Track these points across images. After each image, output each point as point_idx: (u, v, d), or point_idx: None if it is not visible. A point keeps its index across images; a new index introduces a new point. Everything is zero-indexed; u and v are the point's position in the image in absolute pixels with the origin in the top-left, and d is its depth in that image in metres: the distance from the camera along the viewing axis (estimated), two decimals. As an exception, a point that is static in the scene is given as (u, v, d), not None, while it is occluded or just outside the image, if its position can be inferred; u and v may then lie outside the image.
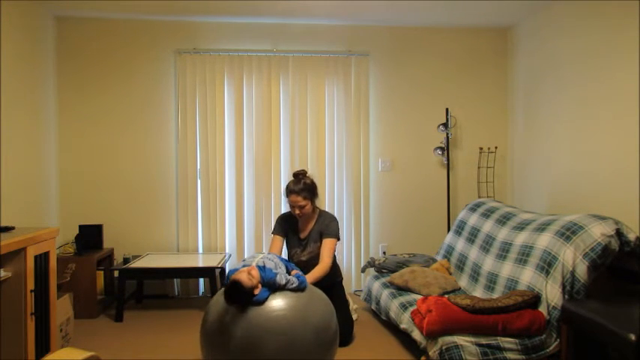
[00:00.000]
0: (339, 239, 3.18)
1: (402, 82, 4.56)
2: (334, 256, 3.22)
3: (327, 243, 3.10)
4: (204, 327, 2.35)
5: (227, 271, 2.49)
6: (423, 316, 2.77)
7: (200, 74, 4.29)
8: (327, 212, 3.30)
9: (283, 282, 2.32)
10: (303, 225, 3.27)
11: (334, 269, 3.22)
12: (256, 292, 2.23)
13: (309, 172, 4.30)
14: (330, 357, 2.42)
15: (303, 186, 3.10)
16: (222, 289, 2.34)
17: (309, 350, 2.22)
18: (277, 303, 2.25)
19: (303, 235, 3.24)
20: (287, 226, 3.27)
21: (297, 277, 2.41)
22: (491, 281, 3.21)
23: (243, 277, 2.22)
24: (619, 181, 3.18)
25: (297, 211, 3.13)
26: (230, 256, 4.24)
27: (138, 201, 4.33)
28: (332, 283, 3.22)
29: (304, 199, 3.09)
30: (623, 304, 2.52)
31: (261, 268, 2.34)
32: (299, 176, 3.16)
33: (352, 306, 3.59)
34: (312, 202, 3.17)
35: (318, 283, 2.80)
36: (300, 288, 2.37)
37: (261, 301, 2.24)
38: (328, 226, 3.16)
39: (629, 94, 3.09)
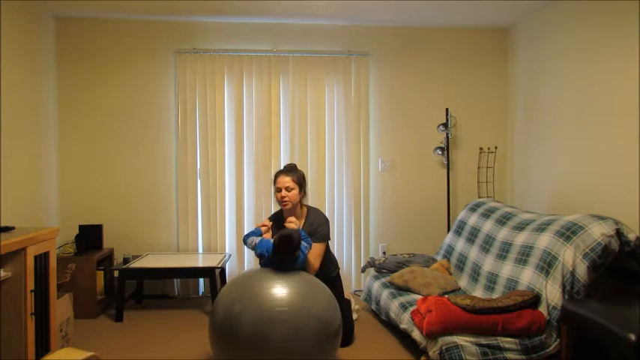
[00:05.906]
0: (329, 240, 3.09)
1: (402, 82, 4.56)
2: (330, 251, 3.18)
3: (316, 248, 2.94)
4: (213, 323, 2.47)
5: (244, 235, 2.94)
6: (423, 316, 2.77)
7: (200, 74, 4.29)
8: (316, 210, 3.15)
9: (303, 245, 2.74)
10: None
11: (327, 266, 3.09)
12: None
13: (308, 173, 4.34)
14: (333, 349, 2.50)
15: (292, 170, 3.07)
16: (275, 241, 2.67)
17: (312, 341, 2.35)
18: (282, 293, 2.40)
19: None
20: (274, 225, 3.06)
21: (307, 242, 2.81)
22: (491, 281, 3.21)
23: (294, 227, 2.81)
24: (619, 181, 3.18)
25: (283, 194, 2.96)
26: (230, 256, 4.24)
27: (138, 201, 4.33)
28: (324, 280, 2.95)
29: (292, 182, 2.98)
30: (623, 304, 2.52)
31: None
32: (289, 165, 3.17)
33: (354, 306, 3.59)
34: (300, 190, 3.02)
35: None
36: (304, 253, 2.74)
37: (300, 260, 2.67)
38: (317, 229, 3.00)
39: (629, 93, 3.09)
